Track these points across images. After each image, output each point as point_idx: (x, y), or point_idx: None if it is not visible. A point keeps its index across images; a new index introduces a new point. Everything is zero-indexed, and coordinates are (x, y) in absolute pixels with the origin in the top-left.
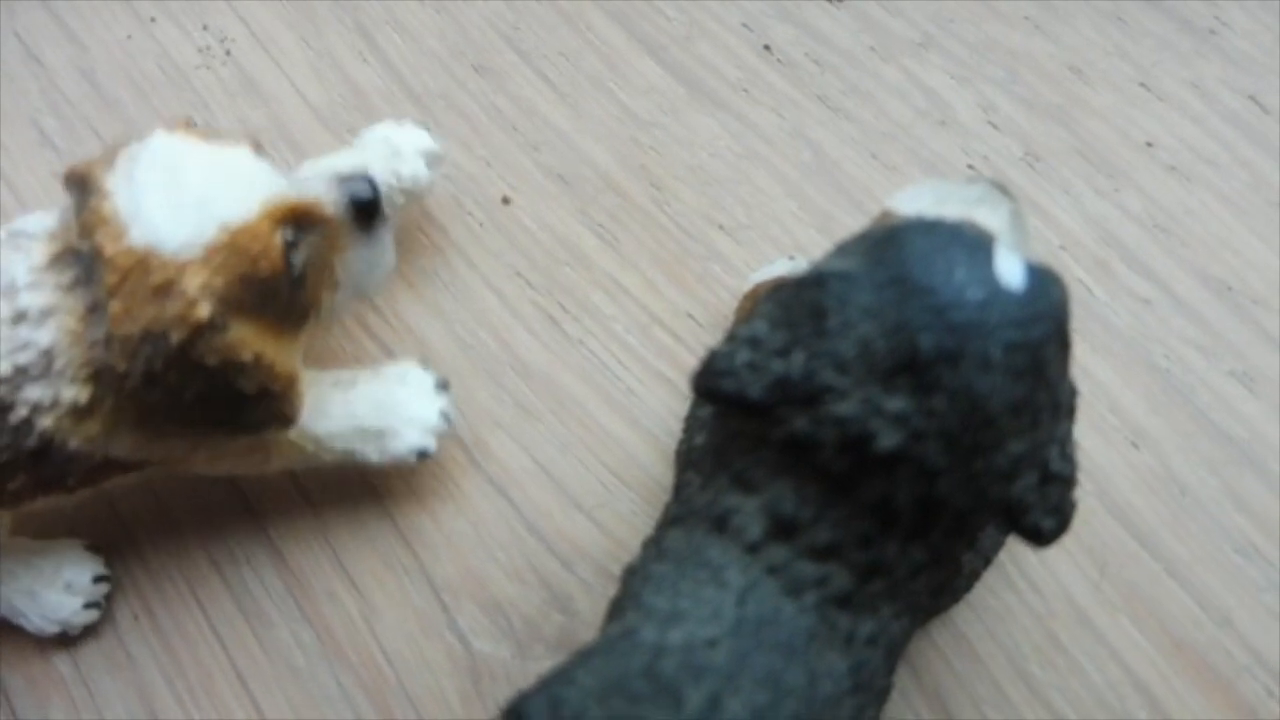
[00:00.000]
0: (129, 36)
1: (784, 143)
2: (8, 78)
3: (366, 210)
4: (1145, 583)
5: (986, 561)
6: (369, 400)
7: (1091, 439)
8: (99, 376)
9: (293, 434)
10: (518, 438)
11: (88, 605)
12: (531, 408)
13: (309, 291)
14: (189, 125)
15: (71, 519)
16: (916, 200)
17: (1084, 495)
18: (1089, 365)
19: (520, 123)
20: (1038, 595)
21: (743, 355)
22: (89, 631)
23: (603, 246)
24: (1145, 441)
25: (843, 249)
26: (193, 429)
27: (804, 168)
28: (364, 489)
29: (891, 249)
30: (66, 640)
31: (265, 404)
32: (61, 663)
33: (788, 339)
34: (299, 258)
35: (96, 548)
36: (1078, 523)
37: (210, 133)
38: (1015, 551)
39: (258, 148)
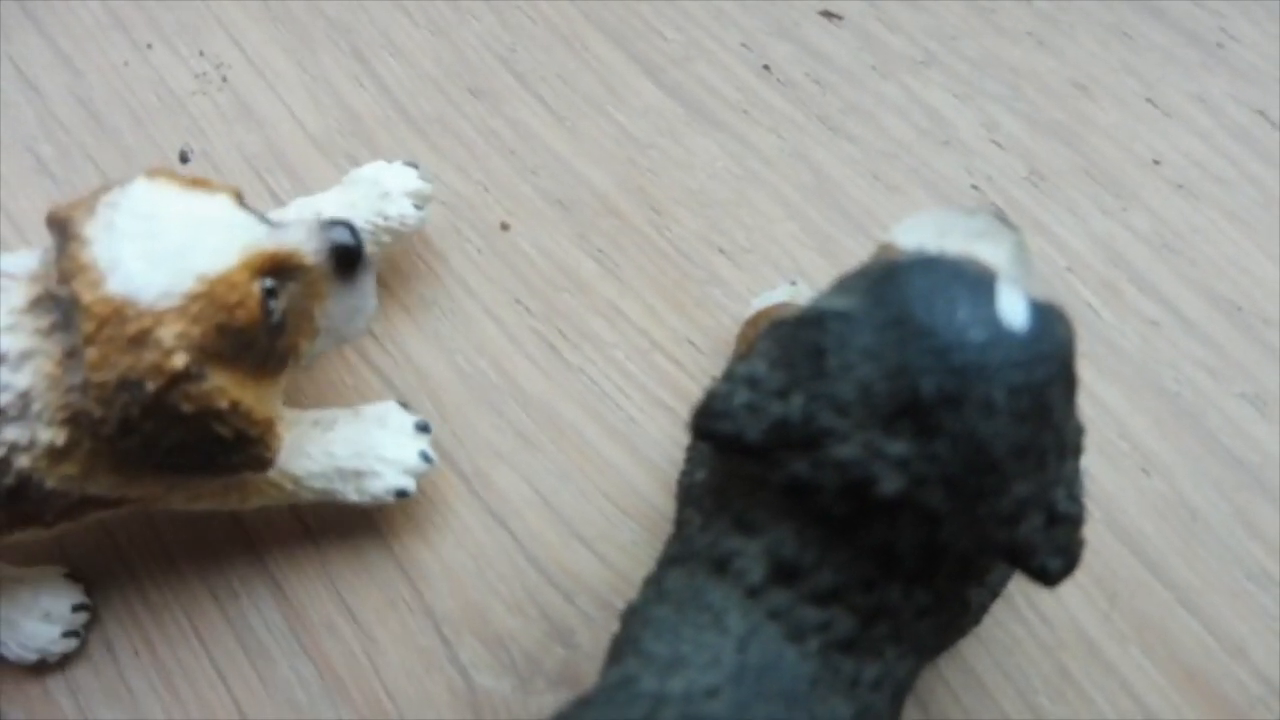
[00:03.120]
0: (125, 63)
1: (784, 164)
2: (3, 105)
3: (347, 258)
4: (1156, 612)
5: (994, 594)
6: (348, 441)
7: (1100, 465)
8: (76, 420)
9: (271, 474)
10: (517, 467)
11: (66, 634)
12: (531, 437)
13: (288, 339)
14: (181, 161)
15: (70, 553)
16: (917, 232)
17: (1093, 523)
18: (1097, 389)
19: (518, 146)
20: (1047, 626)
21: (741, 396)
22: (90, 666)
23: (602, 272)
24: (1155, 467)
25: (842, 285)
26: (170, 472)
27: (804, 189)
28: (363, 522)
29: (891, 287)
30: (68, 674)
31: (242, 448)
32: (62, 697)
33: (787, 380)
34: (278, 306)
35: (75, 576)
36: (1087, 551)
37: (193, 180)
38: (1024, 583)
39: (239, 197)
